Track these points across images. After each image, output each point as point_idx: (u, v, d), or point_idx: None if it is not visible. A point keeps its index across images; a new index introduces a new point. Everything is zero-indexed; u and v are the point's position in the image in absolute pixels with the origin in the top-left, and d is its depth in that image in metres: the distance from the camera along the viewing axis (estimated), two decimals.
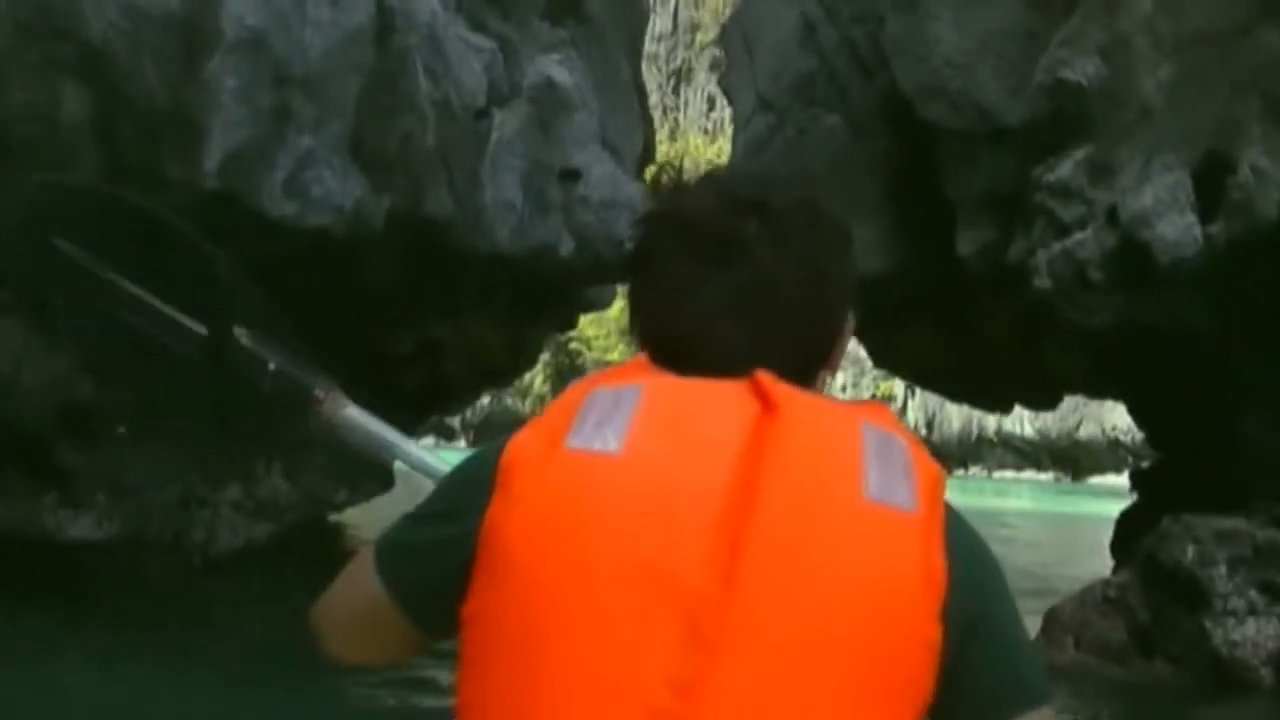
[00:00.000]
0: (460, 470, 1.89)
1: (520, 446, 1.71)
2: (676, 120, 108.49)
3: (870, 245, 17.95)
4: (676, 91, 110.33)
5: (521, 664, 1.62)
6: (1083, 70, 14.41)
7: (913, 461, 1.74)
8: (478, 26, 16.17)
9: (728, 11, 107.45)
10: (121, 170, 13.25)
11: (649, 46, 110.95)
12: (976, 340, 18.73)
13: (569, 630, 1.59)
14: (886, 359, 21.88)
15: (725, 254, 1.82)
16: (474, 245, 15.67)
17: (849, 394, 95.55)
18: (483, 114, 15.74)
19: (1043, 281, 14.69)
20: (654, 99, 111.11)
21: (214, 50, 13.30)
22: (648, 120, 21.95)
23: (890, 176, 18.15)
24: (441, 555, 1.76)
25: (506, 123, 16.02)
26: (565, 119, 16.60)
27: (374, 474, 19.01)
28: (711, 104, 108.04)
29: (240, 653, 11.55)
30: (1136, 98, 14.22)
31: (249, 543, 17.00)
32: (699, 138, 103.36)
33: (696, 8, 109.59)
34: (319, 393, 2.79)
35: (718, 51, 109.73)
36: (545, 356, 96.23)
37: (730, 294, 1.81)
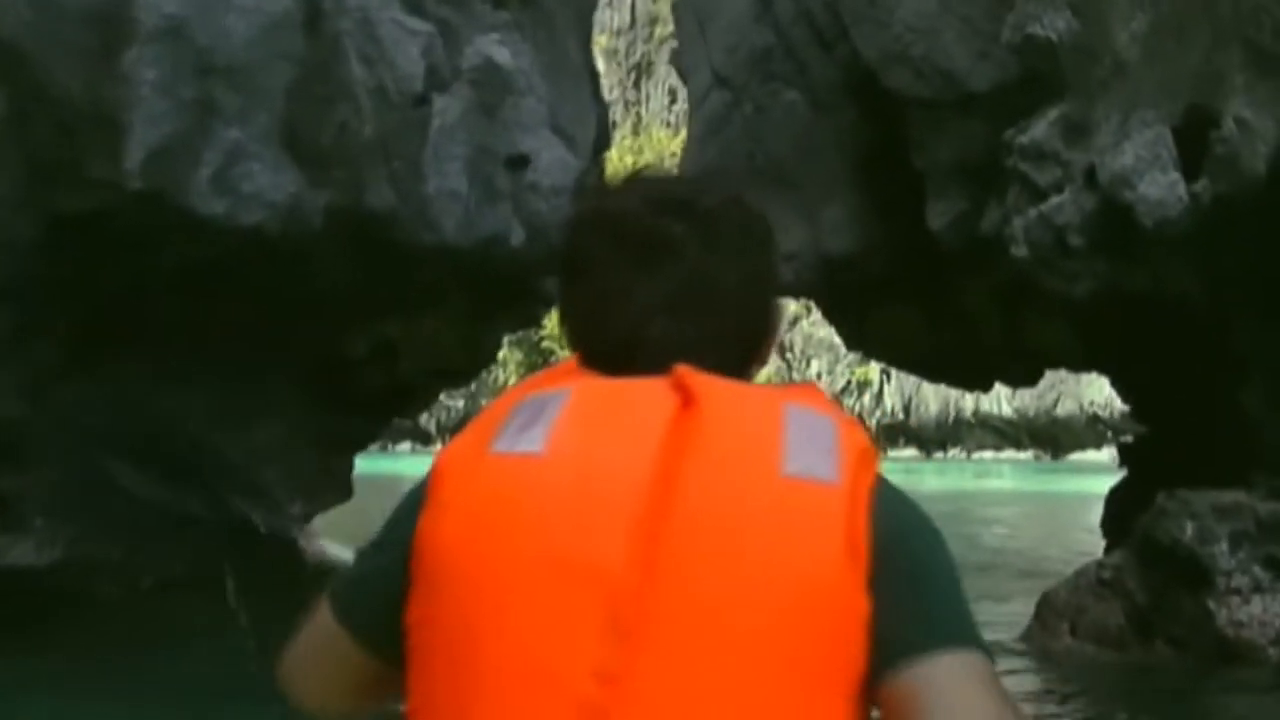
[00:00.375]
0: (402, 500, 1.84)
1: (448, 456, 1.73)
2: (638, 114, 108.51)
3: (839, 224, 17.23)
4: (637, 85, 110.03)
5: (458, 664, 1.64)
6: (1052, 25, 13.62)
7: (838, 437, 1.69)
8: (414, 9, 15.31)
9: None
10: (41, 171, 12.54)
11: (608, 41, 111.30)
12: (954, 317, 17.97)
13: (499, 628, 1.61)
14: (860, 342, 21.06)
15: (655, 256, 1.81)
16: (420, 239, 14.85)
17: (825, 381, 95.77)
18: (422, 100, 14.91)
19: (1020, 250, 13.92)
20: (615, 94, 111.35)
21: (132, 41, 12.61)
22: (601, 105, 21.15)
23: (856, 151, 17.42)
24: (386, 580, 1.75)
25: (448, 108, 15.17)
26: (510, 103, 15.77)
27: (329, 485, 18.21)
28: (673, 97, 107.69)
29: (193, 676, 11.33)
30: (1110, 51, 13.44)
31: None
32: (662, 131, 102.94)
33: (654, 1, 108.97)
34: (301, 540, 2.12)
35: (677, 44, 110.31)
36: (518, 356, 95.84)
37: (663, 296, 1.80)
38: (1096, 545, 17.37)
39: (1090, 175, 13.32)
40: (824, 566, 1.60)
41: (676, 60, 21.93)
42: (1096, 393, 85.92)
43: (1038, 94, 14.01)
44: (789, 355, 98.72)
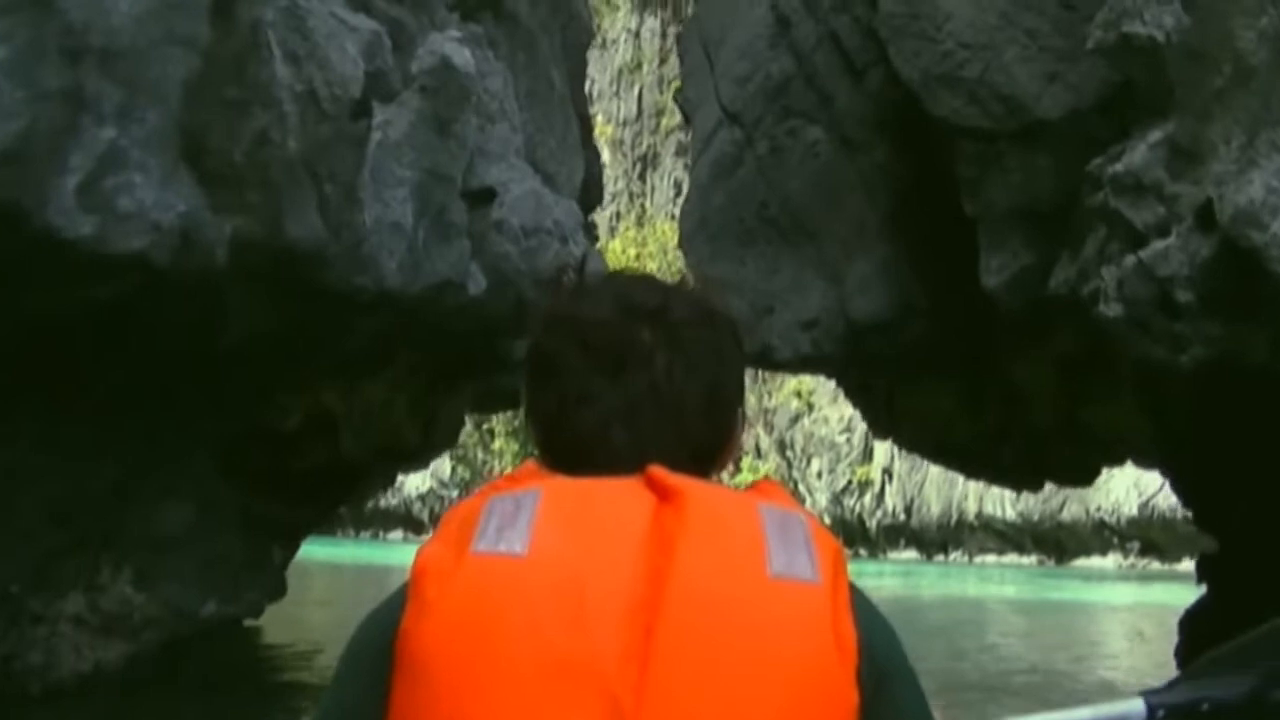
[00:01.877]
0: (364, 624, 1.79)
1: (428, 557, 1.67)
2: (643, 206, 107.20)
3: (867, 282, 14.22)
4: (643, 178, 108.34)
5: None
6: (1157, 22, 10.50)
7: (812, 536, 1.70)
8: (360, 5, 12.28)
9: None
10: None
11: (613, 132, 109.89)
12: (1001, 397, 14.83)
13: None
14: (888, 426, 17.57)
15: (622, 363, 1.81)
16: (353, 282, 11.75)
17: (826, 480, 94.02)
18: (361, 110, 11.84)
19: (1111, 309, 10.79)
20: (619, 185, 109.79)
21: None
22: (594, 153, 18.16)
23: (889, 196, 14.42)
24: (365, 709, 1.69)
25: (393, 122, 12.09)
26: (472, 121, 12.64)
27: (254, 580, 15.01)
28: (678, 190, 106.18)
29: None
30: (1231, 55, 10.32)
31: (98, 667, 13.99)
32: (666, 224, 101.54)
33: (661, 91, 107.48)
34: None
35: (683, 136, 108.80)
36: (514, 447, 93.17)
37: (627, 402, 1.80)
38: (1110, 661, 16.82)
39: (1205, 213, 10.20)
40: (818, 662, 1.60)
41: (679, 95, 18.81)
42: (1104, 498, 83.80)
43: (1134, 112, 10.99)
44: (789, 453, 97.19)
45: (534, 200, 13.09)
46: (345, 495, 17.42)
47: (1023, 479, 17.23)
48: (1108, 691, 17.66)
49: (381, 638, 1.67)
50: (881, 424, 17.04)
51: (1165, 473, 16.97)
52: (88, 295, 10.88)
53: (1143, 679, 18.57)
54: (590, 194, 17.03)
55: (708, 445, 1.84)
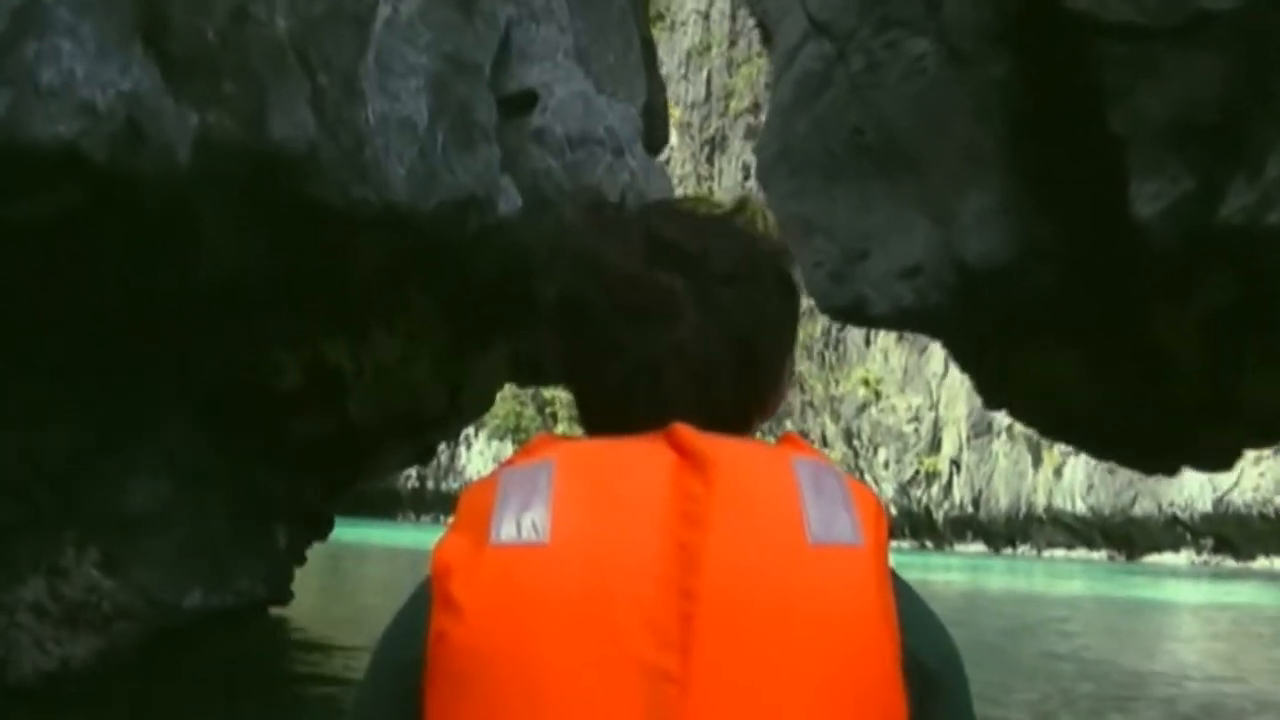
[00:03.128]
0: (389, 629, 1.69)
1: (448, 551, 1.56)
2: (710, 190, 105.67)
3: (983, 220, 11.74)
4: (710, 161, 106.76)
5: None
6: None
7: (851, 493, 1.59)
8: None
9: (762, 79, 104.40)
10: None
11: (681, 115, 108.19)
12: (1139, 359, 12.18)
13: None
14: (1001, 392, 14.71)
15: (650, 314, 1.65)
16: (350, 194, 9.28)
17: (892, 470, 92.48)
18: None
19: None
20: (687, 168, 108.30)
21: None
22: (657, 86, 15.64)
23: (1010, 118, 11.86)
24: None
25: None
26: (504, 7, 10.10)
27: (247, 566, 12.59)
28: (746, 173, 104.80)
29: None
30: None
31: (65, 664, 12.04)
32: None
33: (730, 74, 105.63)
34: None
35: (752, 119, 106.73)
36: (579, 431, 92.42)
37: (656, 354, 1.64)
38: (1191, 665, 16.18)
39: None
40: (861, 632, 1.51)
41: (757, 6, 16.15)
42: (1176, 493, 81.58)
43: None
44: (856, 443, 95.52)
45: (582, 104, 10.59)
46: (359, 469, 14.62)
47: (1156, 460, 14.52)
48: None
49: (409, 647, 1.57)
50: (994, 393, 14.35)
51: None
52: (11, 212, 8.50)
53: None
54: (653, 129, 14.51)
55: (744, 401, 1.69)
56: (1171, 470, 14.57)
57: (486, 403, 14.86)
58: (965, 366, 14.27)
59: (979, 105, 11.97)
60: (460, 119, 9.71)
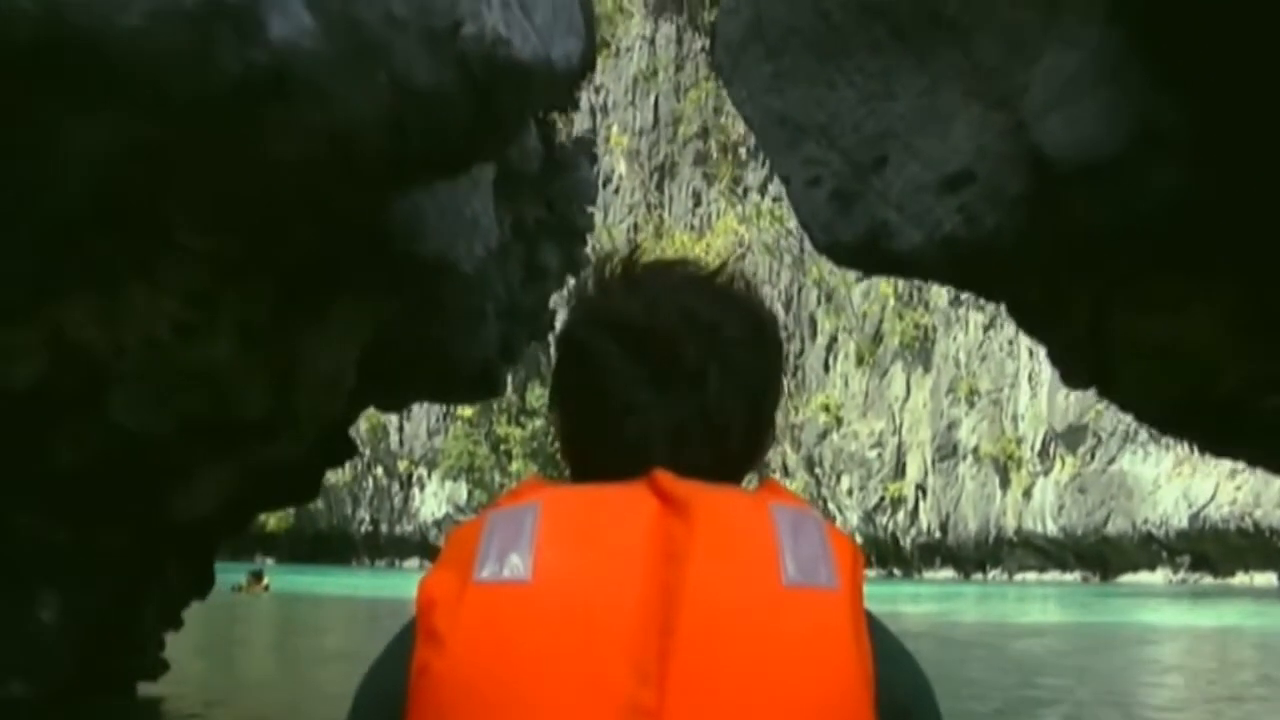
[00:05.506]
0: (368, 678, 1.68)
1: (433, 587, 1.56)
2: (660, 218, 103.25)
3: (1065, 94, 7.46)
4: (660, 188, 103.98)
5: None
6: None
7: (828, 537, 1.60)
8: None
9: (710, 103, 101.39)
10: None
11: (629, 142, 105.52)
12: None
13: None
14: (1093, 368, 9.69)
15: (670, 378, 1.68)
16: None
17: (856, 497, 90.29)
18: None
19: None
20: (636, 196, 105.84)
21: None
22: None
23: None
24: None
25: None
26: None
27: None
28: (697, 200, 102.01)
29: None
30: None
31: None
32: (685, 235, 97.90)
33: (678, 99, 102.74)
34: None
35: (701, 145, 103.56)
36: (533, 469, 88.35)
37: (674, 421, 1.66)
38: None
39: None
40: (835, 672, 1.51)
41: None
42: (1151, 510, 78.99)
43: None
44: (818, 470, 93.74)
45: None
46: (153, 497, 9.89)
47: None
48: None
49: (392, 679, 1.58)
50: (1081, 366, 9.74)
51: None
52: None
53: None
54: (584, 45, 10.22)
55: (748, 456, 1.74)
56: None
57: (337, 400, 10.28)
58: (1035, 328, 9.77)
59: None
60: None
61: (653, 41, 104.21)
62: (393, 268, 8.29)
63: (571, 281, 15.29)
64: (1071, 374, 9.81)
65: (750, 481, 1.67)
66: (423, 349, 12.56)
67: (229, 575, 57.06)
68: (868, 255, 8.70)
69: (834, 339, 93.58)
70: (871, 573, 72.15)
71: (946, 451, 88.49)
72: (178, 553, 12.81)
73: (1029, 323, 9.88)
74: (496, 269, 13.15)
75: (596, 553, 1.54)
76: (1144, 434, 78.16)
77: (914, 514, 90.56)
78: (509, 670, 1.48)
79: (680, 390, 1.66)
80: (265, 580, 54.71)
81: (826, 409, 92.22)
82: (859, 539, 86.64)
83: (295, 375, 8.91)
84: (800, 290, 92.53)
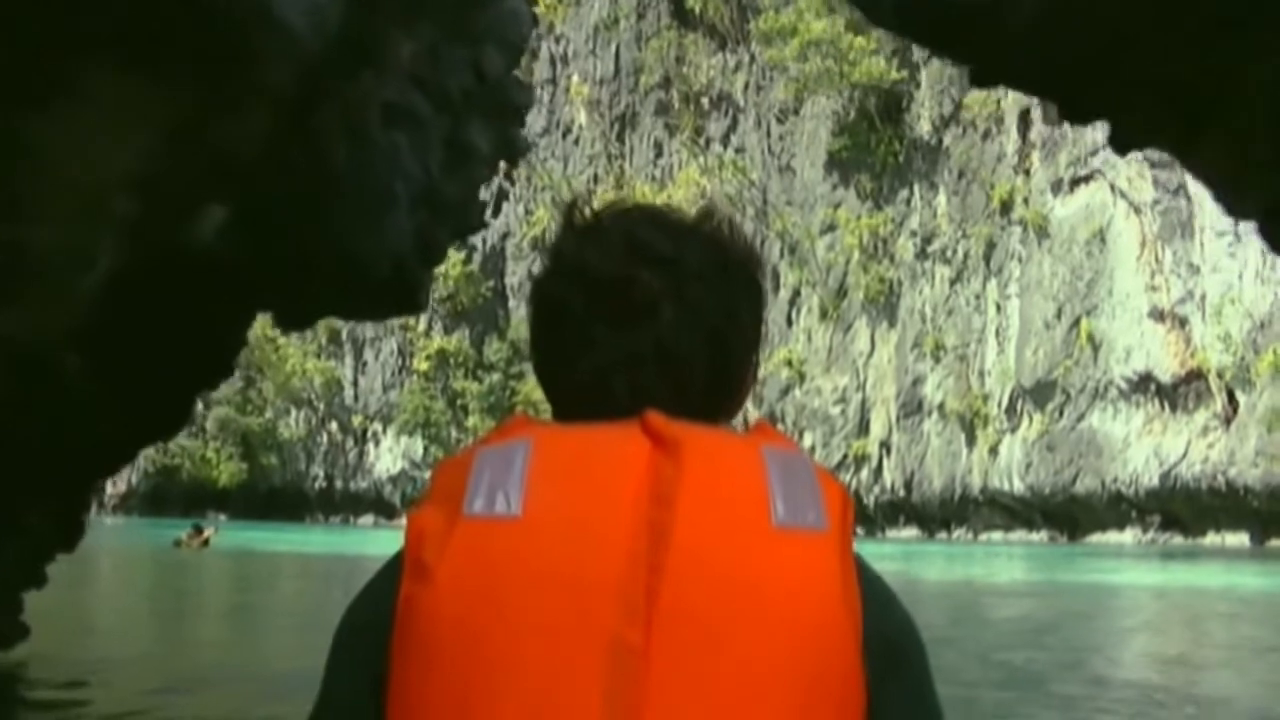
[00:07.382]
0: (349, 614, 1.70)
1: (422, 520, 1.61)
2: (621, 169, 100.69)
3: None
4: (621, 139, 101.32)
5: None
6: None
7: (818, 479, 1.63)
8: None
9: (672, 53, 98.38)
10: None
11: (590, 91, 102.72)
12: None
13: (498, 698, 1.53)
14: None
15: (625, 313, 1.72)
16: None
17: (820, 455, 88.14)
18: None
19: None
20: (597, 147, 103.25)
21: None
22: None
23: None
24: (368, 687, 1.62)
25: None
26: None
27: None
28: (659, 150, 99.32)
29: None
30: None
31: None
32: (646, 185, 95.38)
33: (639, 48, 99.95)
34: None
35: (663, 95, 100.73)
36: (490, 424, 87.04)
37: (628, 354, 1.71)
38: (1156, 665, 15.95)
39: None
40: (823, 614, 1.53)
41: None
42: (1120, 468, 76.84)
43: None
44: (780, 426, 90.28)
45: None
46: None
47: None
48: None
49: (375, 609, 1.60)
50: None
51: None
52: None
53: None
54: None
55: (710, 398, 1.76)
56: None
57: (105, 234, 6.98)
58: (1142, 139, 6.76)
59: None
60: None
61: None
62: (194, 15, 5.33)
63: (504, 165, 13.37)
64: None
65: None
66: (312, 238, 9.77)
67: (175, 530, 54.48)
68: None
69: (797, 292, 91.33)
70: None
71: (911, 408, 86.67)
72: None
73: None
74: (409, 139, 10.33)
75: (587, 491, 1.55)
76: (1114, 391, 76.16)
77: (878, 471, 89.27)
78: (496, 604, 1.49)
79: (635, 323, 1.68)
80: (206, 534, 51.90)
81: (789, 364, 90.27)
82: None
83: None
84: (763, 243, 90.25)
